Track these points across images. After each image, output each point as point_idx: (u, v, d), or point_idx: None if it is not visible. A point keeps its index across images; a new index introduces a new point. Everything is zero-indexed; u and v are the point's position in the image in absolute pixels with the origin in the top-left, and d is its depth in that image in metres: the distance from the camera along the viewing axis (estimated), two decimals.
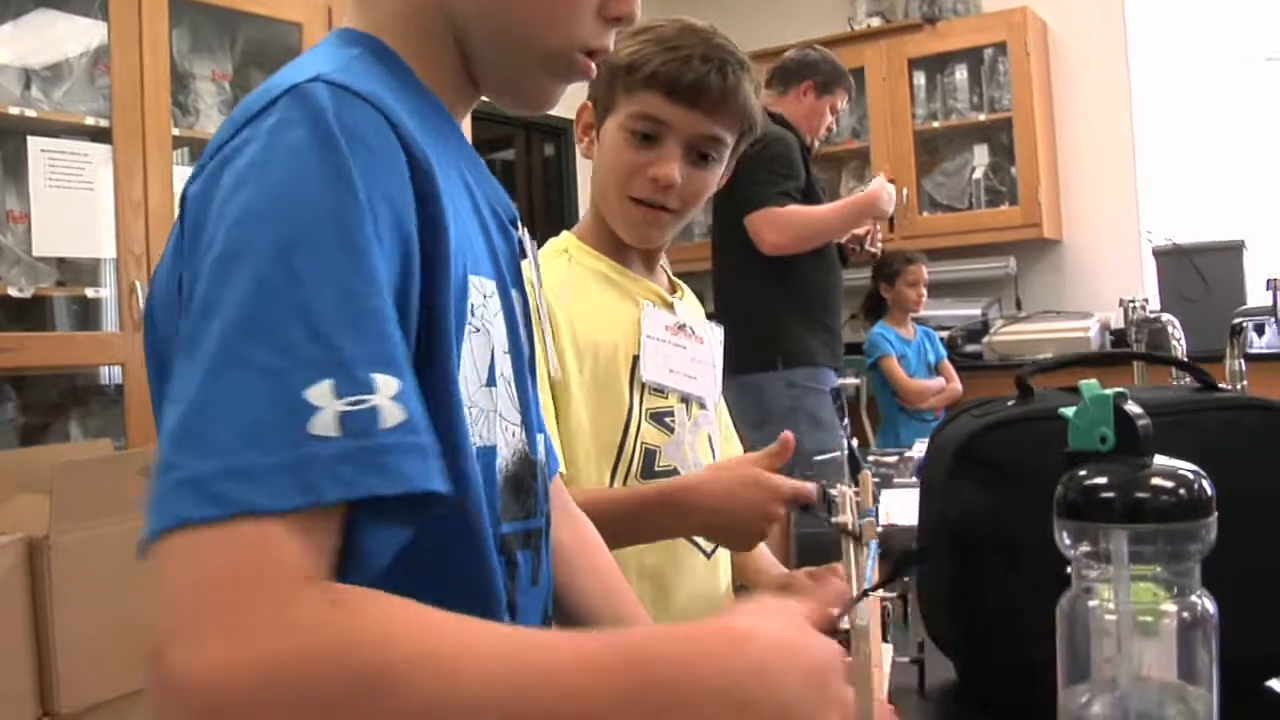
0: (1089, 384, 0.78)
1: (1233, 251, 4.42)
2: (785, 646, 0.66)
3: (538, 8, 0.81)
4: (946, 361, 4.44)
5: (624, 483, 1.37)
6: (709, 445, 1.49)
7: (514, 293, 0.85)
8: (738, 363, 3.45)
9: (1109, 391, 0.76)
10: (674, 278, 1.56)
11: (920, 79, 5.23)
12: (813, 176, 3.45)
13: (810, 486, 1.25)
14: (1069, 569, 0.76)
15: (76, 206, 2.99)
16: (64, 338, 3.15)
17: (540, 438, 0.91)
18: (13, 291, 2.91)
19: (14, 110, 2.91)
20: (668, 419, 1.42)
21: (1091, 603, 0.73)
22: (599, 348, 1.38)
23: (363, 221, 0.63)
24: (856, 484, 2.04)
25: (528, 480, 0.84)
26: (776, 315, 3.31)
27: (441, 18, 0.81)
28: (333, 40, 0.79)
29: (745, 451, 1.50)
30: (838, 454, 2.24)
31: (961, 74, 5.14)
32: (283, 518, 0.56)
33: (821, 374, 3.35)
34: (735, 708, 0.62)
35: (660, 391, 1.41)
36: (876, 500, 1.60)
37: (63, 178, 2.97)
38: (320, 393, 0.58)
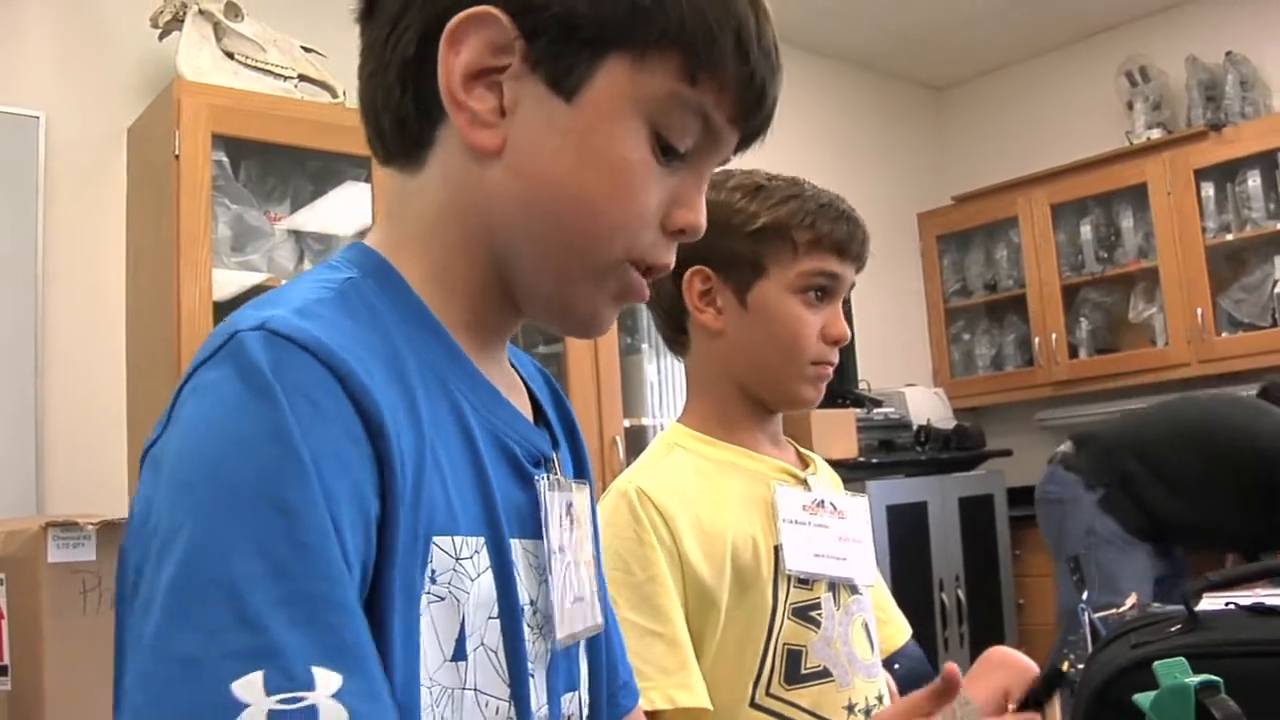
0: (1168, 665, 0.63)
1: None
2: None
3: (596, 213, 0.72)
4: None
5: (766, 694, 1.21)
6: (865, 634, 1.31)
7: (522, 544, 0.76)
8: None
9: (1192, 680, 0.61)
10: (802, 450, 1.42)
11: (1209, 189, 4.78)
12: None
13: None
14: None
15: None
16: None
17: (571, 696, 0.81)
18: None
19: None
20: (813, 613, 1.26)
21: None
22: (736, 546, 1.24)
23: (305, 485, 0.57)
24: None
25: None
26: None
27: (472, 236, 0.75)
28: (335, 260, 0.74)
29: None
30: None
31: (1254, 180, 4.66)
32: None
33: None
34: None
35: (805, 583, 1.26)
36: None
37: None
38: (249, 686, 0.52)
